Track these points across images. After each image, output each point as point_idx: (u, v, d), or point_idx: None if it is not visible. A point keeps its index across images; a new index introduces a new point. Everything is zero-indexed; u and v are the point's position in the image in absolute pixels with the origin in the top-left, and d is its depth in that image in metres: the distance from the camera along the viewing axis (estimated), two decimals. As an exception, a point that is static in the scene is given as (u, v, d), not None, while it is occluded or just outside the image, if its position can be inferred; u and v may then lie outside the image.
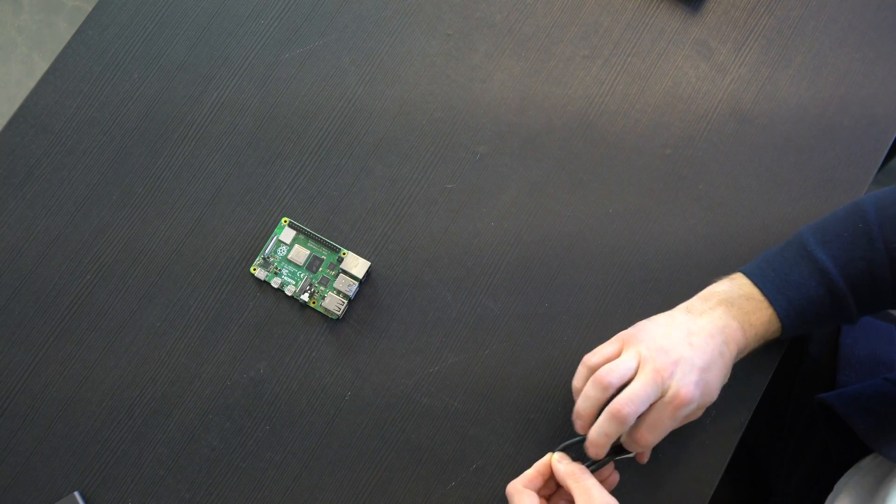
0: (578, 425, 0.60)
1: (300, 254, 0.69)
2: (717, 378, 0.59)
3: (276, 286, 0.68)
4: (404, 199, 0.71)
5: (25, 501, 0.64)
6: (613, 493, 0.57)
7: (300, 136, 0.72)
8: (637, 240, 0.70)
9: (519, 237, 0.70)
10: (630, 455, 0.61)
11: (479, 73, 0.74)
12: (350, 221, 0.70)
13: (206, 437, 0.66)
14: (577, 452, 0.61)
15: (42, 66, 1.52)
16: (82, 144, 0.71)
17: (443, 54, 0.74)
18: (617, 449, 0.61)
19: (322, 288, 0.68)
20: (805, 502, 0.73)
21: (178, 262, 0.69)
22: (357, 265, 0.67)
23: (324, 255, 0.69)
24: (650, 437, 0.58)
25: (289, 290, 0.68)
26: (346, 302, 0.67)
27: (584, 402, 0.59)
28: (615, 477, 0.62)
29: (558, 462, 0.59)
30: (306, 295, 0.68)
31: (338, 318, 0.68)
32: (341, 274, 0.67)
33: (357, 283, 0.67)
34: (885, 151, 0.73)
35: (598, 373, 0.58)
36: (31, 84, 1.15)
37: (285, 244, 0.69)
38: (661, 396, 0.57)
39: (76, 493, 0.63)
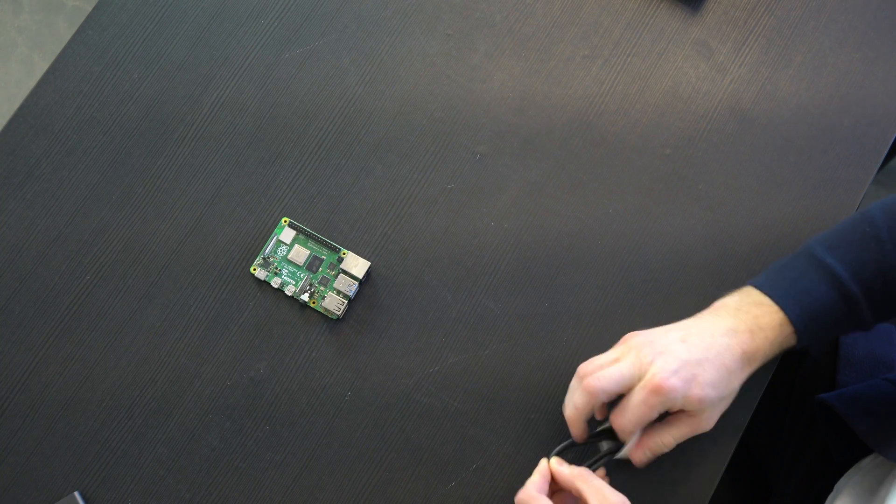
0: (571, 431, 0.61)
1: (300, 254, 0.69)
2: (713, 376, 0.58)
3: (276, 286, 0.68)
4: (404, 199, 0.71)
5: (25, 501, 0.64)
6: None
7: (300, 136, 0.72)
8: (637, 240, 0.70)
9: (519, 237, 0.70)
10: (623, 454, 0.60)
11: (479, 73, 0.74)
12: (350, 221, 0.70)
13: (206, 437, 0.66)
14: (568, 457, 0.61)
15: (42, 66, 1.52)
16: (82, 144, 0.71)
17: (443, 54, 0.74)
18: (612, 451, 0.61)
19: (322, 288, 0.68)
20: (805, 502, 0.73)
21: (178, 262, 0.69)
22: (357, 265, 0.67)
23: (324, 255, 0.69)
24: (622, 418, 0.58)
25: (289, 290, 0.68)
26: (346, 302, 0.67)
27: (568, 404, 0.60)
28: (606, 479, 0.63)
29: (559, 465, 0.59)
30: (306, 295, 0.68)
31: (338, 318, 0.68)
32: (341, 274, 0.67)
33: (357, 283, 0.67)
34: (885, 151, 0.73)
35: (583, 375, 0.59)
36: (31, 84, 1.15)
37: (285, 244, 0.69)
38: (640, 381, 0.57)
39: (76, 493, 0.63)
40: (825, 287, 0.59)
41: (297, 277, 0.68)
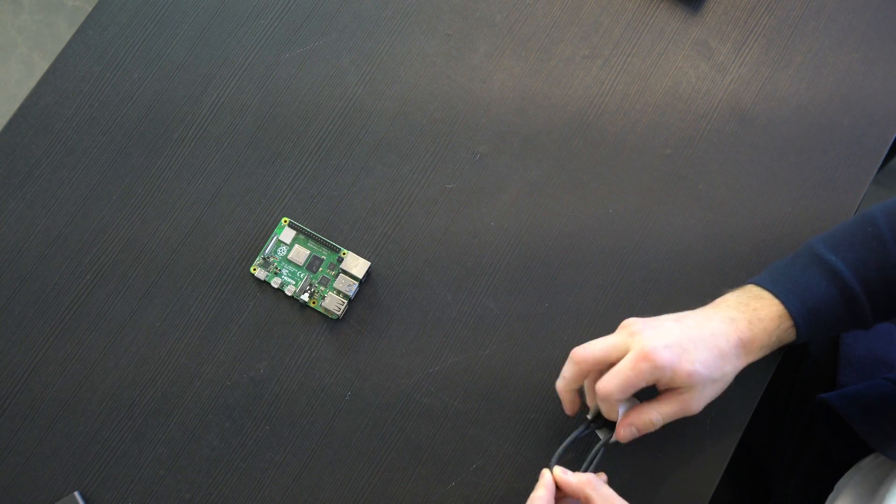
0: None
1: (300, 254, 0.69)
2: (704, 354, 0.57)
3: (276, 286, 0.68)
4: (404, 199, 0.71)
5: (25, 501, 0.64)
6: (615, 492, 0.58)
7: (300, 136, 0.72)
8: (637, 240, 0.70)
9: (519, 237, 0.70)
10: (614, 438, 0.60)
11: (479, 73, 0.74)
12: (350, 221, 0.70)
13: (206, 437, 0.66)
14: (567, 457, 0.61)
15: (42, 66, 1.52)
16: (82, 144, 0.71)
17: (443, 54, 0.74)
18: (607, 443, 0.61)
19: (322, 288, 0.68)
20: (805, 502, 0.73)
21: (178, 262, 0.69)
22: (357, 265, 0.67)
23: (324, 255, 0.69)
24: (608, 382, 0.57)
25: (289, 290, 0.68)
26: (346, 302, 0.67)
27: (559, 379, 0.62)
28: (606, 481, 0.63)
29: (563, 474, 0.58)
30: (306, 295, 0.68)
31: (338, 318, 0.68)
32: (341, 274, 0.67)
33: (357, 283, 0.67)
34: (885, 151, 0.73)
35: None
36: (31, 84, 1.15)
37: (285, 244, 0.69)
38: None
39: (76, 493, 0.63)
40: (826, 284, 0.59)
41: (297, 277, 0.68)
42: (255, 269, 0.68)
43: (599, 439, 0.62)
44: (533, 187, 0.71)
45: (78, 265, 0.68)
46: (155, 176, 0.71)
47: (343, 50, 0.74)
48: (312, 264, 0.68)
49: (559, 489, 0.58)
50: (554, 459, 0.60)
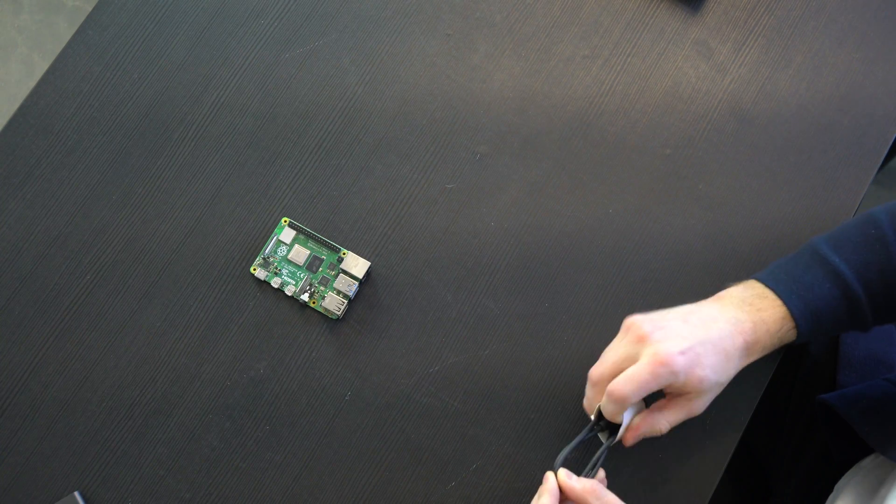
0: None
1: (300, 254, 0.69)
2: (714, 359, 0.57)
3: (276, 286, 0.68)
4: (404, 199, 0.71)
5: (25, 501, 0.64)
6: (615, 492, 0.57)
7: (300, 136, 0.72)
8: (637, 240, 0.70)
9: (519, 237, 0.70)
10: (616, 439, 0.60)
11: (479, 73, 0.74)
12: (350, 221, 0.70)
13: (206, 437, 0.66)
14: (569, 458, 0.61)
15: (42, 66, 1.52)
16: (82, 144, 0.71)
17: (443, 54, 0.74)
18: (611, 447, 0.61)
19: (322, 288, 0.68)
20: (805, 502, 0.73)
21: (178, 262, 0.69)
22: (357, 265, 0.67)
23: (324, 255, 0.69)
24: (625, 387, 0.56)
25: (289, 290, 0.68)
26: (346, 302, 0.67)
27: (585, 400, 0.62)
28: (605, 481, 0.63)
29: (568, 479, 0.58)
30: (306, 295, 0.68)
31: (338, 318, 0.68)
32: (341, 274, 0.67)
33: (357, 283, 0.67)
34: (885, 151, 0.73)
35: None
36: (31, 84, 1.15)
37: (285, 244, 0.69)
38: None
39: (76, 493, 0.63)
40: (829, 285, 0.59)
41: (297, 277, 0.68)
42: (255, 269, 0.68)
43: (602, 442, 0.62)
44: (533, 187, 0.71)
45: (78, 265, 0.68)
46: (155, 176, 0.71)
47: (343, 50, 0.74)
48: (312, 264, 0.68)
49: (562, 492, 0.58)
50: (558, 462, 0.59)
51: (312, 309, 0.68)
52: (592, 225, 0.70)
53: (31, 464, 0.65)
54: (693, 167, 0.72)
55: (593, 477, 0.60)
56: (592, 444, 0.64)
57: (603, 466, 0.63)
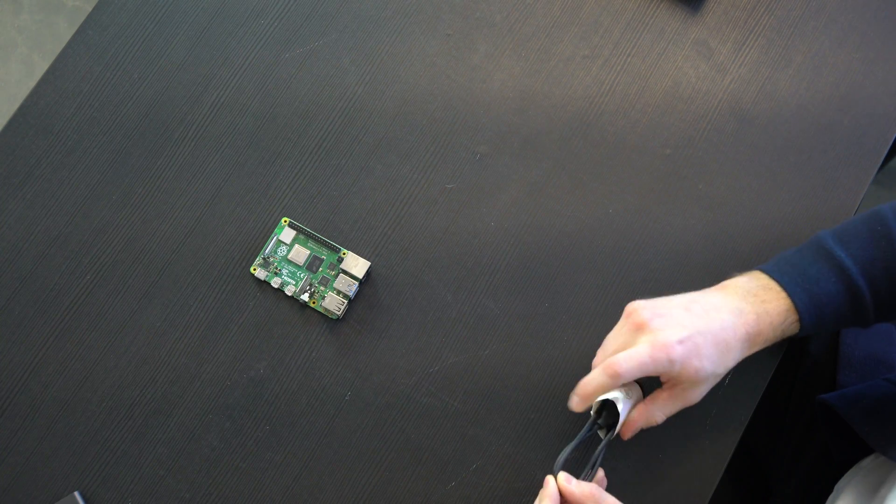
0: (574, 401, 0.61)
1: (300, 254, 0.69)
2: (711, 349, 0.57)
3: (276, 286, 0.68)
4: (404, 199, 0.71)
5: (25, 501, 0.64)
6: (615, 492, 0.57)
7: (300, 136, 0.72)
8: (637, 240, 0.70)
9: (519, 237, 0.70)
10: (615, 433, 0.60)
11: (479, 73, 0.74)
12: (350, 221, 0.70)
13: (206, 437, 0.66)
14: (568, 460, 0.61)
15: (42, 66, 1.52)
16: (82, 144, 0.71)
17: (443, 54, 0.74)
18: (610, 442, 0.61)
19: (322, 288, 0.68)
20: (805, 503, 0.73)
21: (178, 262, 0.69)
22: (357, 265, 0.67)
23: (324, 255, 0.69)
24: (623, 364, 0.57)
25: (289, 290, 0.68)
26: (346, 302, 0.67)
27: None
28: (605, 481, 0.63)
29: (567, 483, 0.58)
30: (306, 295, 0.68)
31: (338, 318, 0.68)
32: (341, 274, 0.67)
33: (357, 283, 0.67)
34: (885, 151, 0.73)
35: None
36: (31, 84, 1.15)
37: (285, 244, 0.69)
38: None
39: (76, 493, 0.63)
40: (833, 279, 0.59)
41: (297, 277, 0.68)
42: (255, 269, 0.68)
43: (601, 439, 0.62)
44: (533, 187, 0.71)
45: (78, 265, 0.68)
46: (155, 176, 0.71)
47: (343, 50, 0.74)
48: (312, 264, 0.68)
49: (562, 496, 0.58)
50: (558, 465, 0.59)
51: (312, 309, 0.68)
52: (592, 225, 0.70)
53: (31, 464, 0.65)
54: (693, 167, 0.72)
55: (592, 477, 0.60)
56: (592, 442, 0.64)
57: (602, 466, 0.63)
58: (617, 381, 0.57)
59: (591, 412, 0.62)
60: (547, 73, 0.74)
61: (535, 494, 0.59)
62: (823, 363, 0.77)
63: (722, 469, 0.65)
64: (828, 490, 0.69)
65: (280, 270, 0.68)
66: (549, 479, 0.58)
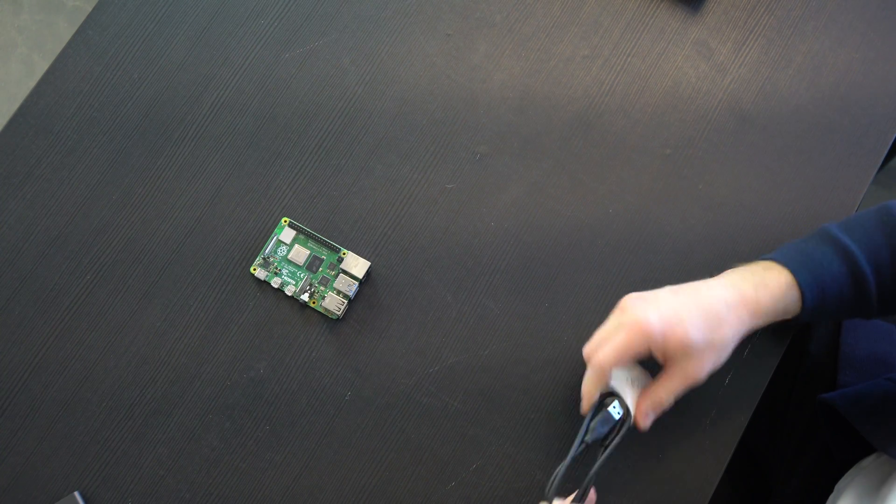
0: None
1: (300, 254, 0.69)
2: (697, 318, 0.57)
3: (276, 286, 0.68)
4: (404, 199, 0.71)
5: (25, 501, 0.64)
6: (615, 493, 0.57)
7: (300, 136, 0.72)
8: (637, 240, 0.70)
9: (519, 237, 0.70)
10: (630, 423, 0.59)
11: (479, 73, 0.74)
12: (350, 221, 0.70)
13: (206, 437, 0.66)
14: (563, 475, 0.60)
15: (42, 66, 1.52)
16: (82, 144, 0.71)
17: (443, 54, 0.74)
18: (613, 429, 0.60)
19: (322, 288, 0.68)
20: (806, 502, 0.73)
21: (178, 262, 0.69)
22: (357, 265, 0.67)
23: (324, 255, 0.69)
24: (601, 355, 0.57)
25: (289, 290, 0.68)
26: (346, 302, 0.67)
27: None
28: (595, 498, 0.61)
29: None
30: (306, 295, 0.68)
31: (338, 318, 0.68)
32: (341, 274, 0.67)
33: (357, 283, 0.67)
34: (885, 151, 0.73)
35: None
36: (31, 84, 1.15)
37: (285, 244, 0.69)
38: None
39: (76, 493, 0.63)
40: (838, 262, 0.59)
41: (297, 277, 0.68)
42: (255, 269, 0.68)
43: (595, 459, 0.59)
44: (533, 187, 0.71)
45: (78, 265, 0.68)
46: (155, 176, 0.71)
47: (343, 50, 0.74)
48: (312, 264, 0.68)
49: None
50: (552, 490, 0.57)
51: (312, 309, 0.68)
52: (592, 225, 0.70)
53: (31, 464, 0.65)
54: (693, 167, 0.72)
55: (585, 498, 0.58)
56: (585, 459, 0.63)
57: (603, 469, 0.63)
58: (602, 372, 0.57)
59: (590, 410, 0.61)
60: (547, 73, 0.74)
61: (535, 494, 0.59)
62: (824, 363, 0.77)
63: (722, 469, 0.65)
64: (828, 490, 0.69)
65: (280, 270, 0.68)
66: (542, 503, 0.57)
